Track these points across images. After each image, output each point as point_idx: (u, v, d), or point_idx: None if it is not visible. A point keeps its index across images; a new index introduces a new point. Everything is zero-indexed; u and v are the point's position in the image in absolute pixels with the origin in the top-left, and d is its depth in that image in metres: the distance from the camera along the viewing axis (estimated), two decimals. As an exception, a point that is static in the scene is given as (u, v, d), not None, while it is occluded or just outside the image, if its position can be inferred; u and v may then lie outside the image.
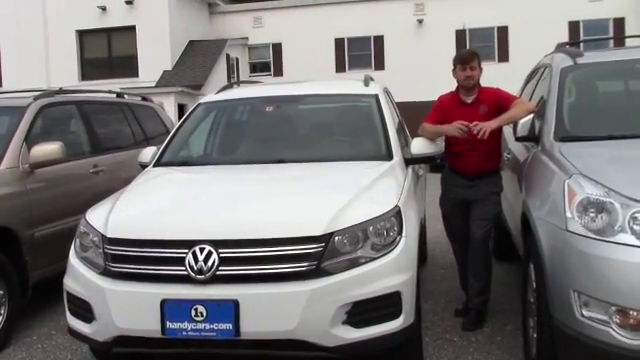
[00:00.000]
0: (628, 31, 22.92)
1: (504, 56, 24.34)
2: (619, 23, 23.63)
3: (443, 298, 5.09)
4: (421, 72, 22.74)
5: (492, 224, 4.54)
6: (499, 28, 24.70)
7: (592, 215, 2.88)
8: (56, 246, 4.66)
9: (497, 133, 4.31)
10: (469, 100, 4.36)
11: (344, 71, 25.50)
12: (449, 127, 4.21)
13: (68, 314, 3.46)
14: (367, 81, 4.95)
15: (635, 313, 2.67)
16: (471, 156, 4.34)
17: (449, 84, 4.55)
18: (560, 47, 4.96)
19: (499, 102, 4.27)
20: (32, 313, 4.98)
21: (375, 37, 25.62)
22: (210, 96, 5.16)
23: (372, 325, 3.07)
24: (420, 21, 25.14)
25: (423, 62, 23.48)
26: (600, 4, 23.57)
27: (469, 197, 4.43)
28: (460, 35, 24.72)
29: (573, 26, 23.95)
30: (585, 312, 2.80)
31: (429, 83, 22.90)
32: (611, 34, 23.28)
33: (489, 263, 4.54)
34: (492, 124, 4.08)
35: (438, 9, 24.79)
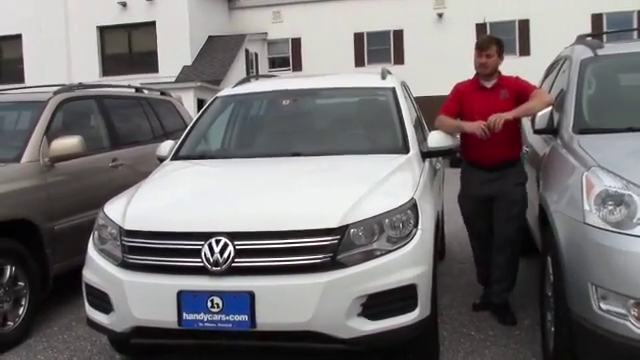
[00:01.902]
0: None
1: (525, 50, 24.10)
2: (643, 16, 23.27)
3: (461, 292, 5.07)
4: (441, 66, 22.54)
5: (523, 220, 4.37)
6: (520, 21, 24.46)
7: (610, 208, 2.84)
8: (76, 239, 4.69)
9: (515, 119, 4.17)
10: (489, 85, 4.28)
11: (363, 66, 25.39)
12: (471, 125, 4.11)
13: (87, 305, 3.51)
14: (384, 74, 4.93)
15: (653, 306, 2.64)
16: (490, 145, 4.12)
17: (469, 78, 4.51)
18: (580, 39, 4.89)
19: (519, 90, 4.20)
20: (53, 305, 5.05)
21: (395, 31, 25.50)
22: (227, 90, 5.18)
23: (388, 317, 3.07)
24: (440, 15, 24.97)
25: (443, 56, 23.28)
26: (624, -5, 23.21)
27: (493, 192, 4.25)
28: (480, 29, 24.44)
29: (596, 19, 23.62)
30: (603, 305, 2.77)
31: (449, 77, 22.62)
32: (635, 27, 22.92)
33: (517, 262, 4.43)
34: (508, 115, 4.00)
35: (458, 3, 24.58)
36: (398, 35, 25.51)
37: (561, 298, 3.09)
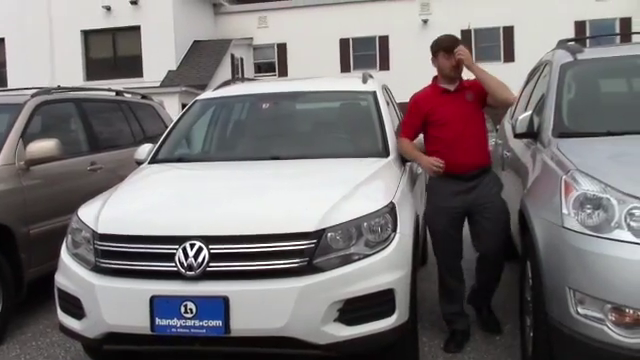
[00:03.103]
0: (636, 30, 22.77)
1: (510, 56, 24.27)
2: (626, 23, 23.54)
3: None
4: (426, 72, 22.03)
5: (507, 232, 4.05)
6: (505, 28, 24.64)
7: (589, 211, 2.82)
8: (52, 243, 4.59)
9: (482, 118, 4.00)
10: (453, 88, 3.98)
11: (349, 71, 25.47)
12: (425, 163, 3.91)
13: (59, 311, 3.44)
14: (365, 78, 4.90)
15: (631, 311, 2.61)
16: (463, 150, 3.84)
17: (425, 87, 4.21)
18: (561, 43, 4.89)
19: (483, 91, 3.92)
20: (27, 310, 4.95)
21: (380, 37, 25.61)
22: (207, 93, 5.14)
23: (365, 323, 3.02)
24: (425, 21, 25.11)
25: (428, 62, 22.82)
26: (606, 4, 23.47)
27: (469, 204, 3.89)
28: (465, 35, 24.51)
29: (579, 26, 23.85)
30: (580, 310, 2.74)
31: (434, 83, 22.85)
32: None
33: (500, 275, 4.16)
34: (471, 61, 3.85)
35: (443, 9, 24.72)
36: (384, 41, 25.60)
37: (539, 303, 3.06)
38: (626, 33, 20.71)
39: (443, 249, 4.03)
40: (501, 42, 24.75)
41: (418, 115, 4.01)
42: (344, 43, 25.96)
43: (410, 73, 23.51)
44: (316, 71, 22.67)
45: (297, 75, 24.04)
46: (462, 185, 3.89)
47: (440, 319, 4.47)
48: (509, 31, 24.60)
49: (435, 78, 4.07)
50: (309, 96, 4.87)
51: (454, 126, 3.87)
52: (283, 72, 26.19)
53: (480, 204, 3.90)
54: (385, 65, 25.17)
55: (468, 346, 4.02)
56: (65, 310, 3.38)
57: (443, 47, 3.92)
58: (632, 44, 4.86)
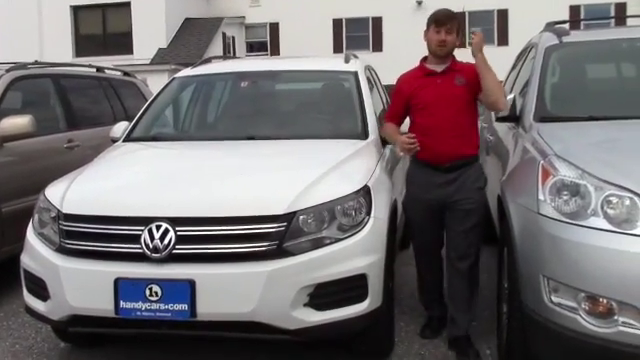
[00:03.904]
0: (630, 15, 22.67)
1: (504, 40, 24.10)
2: (621, 8, 23.40)
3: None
4: (420, 54, 21.81)
5: (482, 232, 3.65)
6: (499, 11, 24.47)
7: (565, 198, 2.75)
8: (25, 222, 4.51)
9: (473, 105, 3.60)
10: (439, 69, 3.58)
11: (342, 52, 25.14)
12: (398, 140, 3.55)
13: (25, 292, 3.37)
14: (348, 58, 4.79)
15: (604, 300, 2.55)
16: (445, 139, 3.48)
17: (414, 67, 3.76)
18: (549, 26, 4.80)
19: (476, 77, 3.50)
20: (0, 290, 4.86)
21: (374, 18, 25.39)
22: (186, 70, 5.02)
23: (336, 308, 2.96)
24: (419, 3, 24.86)
25: (422, 44, 22.90)
26: (602, -12, 23.33)
27: (447, 197, 3.53)
28: (459, 18, 24.35)
29: (574, 10, 23.71)
30: (554, 298, 2.68)
31: (427, 65, 22.79)
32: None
33: (478, 283, 3.73)
34: (479, 49, 3.43)
35: (438, -9, 24.48)
36: (377, 22, 25.39)
37: (514, 290, 3.00)
38: (620, 17, 20.60)
39: (420, 240, 3.81)
40: (495, 25, 24.58)
41: (400, 98, 3.70)
42: (337, 23, 25.74)
43: (404, 55, 23.29)
44: (308, 51, 22.50)
45: (289, 55, 23.85)
46: (441, 177, 3.53)
47: (419, 304, 4.41)
48: (503, 14, 24.43)
49: (424, 59, 3.71)
50: (289, 75, 4.77)
51: (435, 111, 3.51)
52: (275, 52, 25.95)
53: (456, 200, 3.53)
54: (378, 47, 24.99)
55: (444, 332, 3.96)
56: (31, 291, 3.31)
57: (434, 20, 3.56)
58: (621, 28, 4.76)
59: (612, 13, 23.45)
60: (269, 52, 26.17)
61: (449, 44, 3.55)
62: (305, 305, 2.90)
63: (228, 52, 24.78)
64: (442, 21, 3.55)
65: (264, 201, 2.96)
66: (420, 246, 3.84)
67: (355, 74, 4.51)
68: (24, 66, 5.50)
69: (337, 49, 25.36)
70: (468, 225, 3.54)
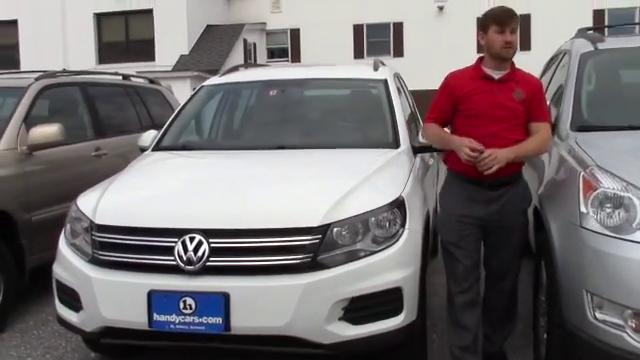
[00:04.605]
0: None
1: (526, 44, 23.85)
2: (646, 12, 23.09)
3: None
4: (441, 60, 22.31)
5: (523, 251, 3.41)
6: (522, 16, 24.17)
7: (608, 211, 2.67)
8: (55, 230, 4.51)
9: (524, 123, 3.18)
10: (497, 76, 3.17)
11: (362, 57, 25.16)
12: (458, 144, 3.10)
13: (57, 302, 3.36)
14: (376, 65, 4.74)
15: (652, 318, 2.47)
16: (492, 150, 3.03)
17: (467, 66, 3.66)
18: (581, 32, 4.71)
19: (536, 100, 3.19)
20: (29, 298, 4.88)
21: (395, 24, 25.29)
22: (214, 79, 5.00)
23: (371, 322, 2.91)
24: (441, 8, 24.76)
25: (443, 50, 23.12)
26: (627, -8, 23.05)
27: (489, 216, 3.18)
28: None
29: (598, 15, 23.44)
30: (598, 315, 2.60)
31: (448, 71, 22.78)
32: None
33: (515, 303, 3.49)
34: (508, 153, 3.02)
35: (460, -4, 24.39)
36: (398, 28, 25.29)
37: (554, 305, 2.93)
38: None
39: (453, 263, 3.33)
40: (518, 30, 24.33)
41: (449, 99, 3.26)
42: (358, 29, 25.68)
43: (424, 61, 23.43)
44: (329, 57, 22.55)
45: (310, 61, 23.84)
46: (482, 193, 3.17)
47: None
48: (526, 19, 24.15)
49: (480, 59, 3.28)
50: (318, 83, 4.72)
51: (485, 122, 3.12)
52: (296, 58, 25.96)
53: (498, 220, 3.19)
54: (399, 52, 24.89)
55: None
56: (63, 302, 3.30)
57: (496, 19, 3.14)
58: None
59: (637, 17, 23.13)
60: (290, 58, 26.19)
61: (515, 44, 3.16)
62: (340, 319, 2.85)
63: (249, 58, 24.84)
64: (505, 20, 3.13)
65: (298, 213, 2.92)
66: (454, 270, 3.35)
67: (385, 82, 4.46)
68: (53, 74, 5.53)
69: (358, 55, 25.33)
70: (510, 244, 3.27)
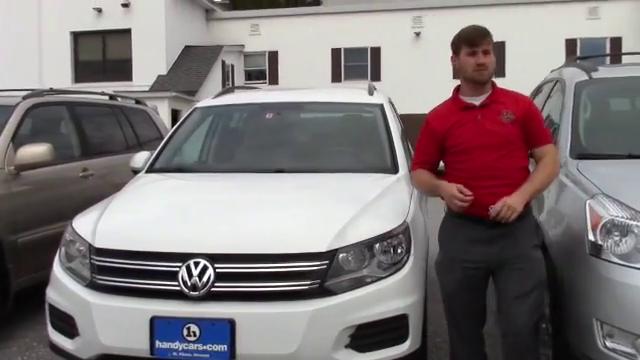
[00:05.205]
0: (625, 50, 22.93)
1: (500, 71, 24.22)
2: (616, 42, 23.69)
3: (444, 319, 4.85)
4: (418, 85, 22.66)
5: (542, 299, 2.88)
6: (496, 43, 24.60)
7: (616, 239, 2.69)
8: (42, 253, 4.42)
9: (524, 148, 2.89)
10: (478, 101, 2.89)
11: (340, 81, 25.39)
12: (448, 191, 2.79)
13: (50, 328, 3.24)
14: (371, 90, 4.75)
15: (664, 347, 2.48)
16: (488, 183, 2.77)
17: (446, 97, 3.07)
18: (571, 61, 4.79)
19: (530, 117, 2.87)
20: (14, 322, 4.73)
21: (372, 48, 25.53)
22: (207, 100, 4.95)
23: (377, 350, 2.86)
24: (418, 34, 25.09)
25: (420, 75, 23.45)
26: (598, 22, 23.64)
27: (494, 258, 2.81)
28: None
29: (570, 44, 23.96)
30: (609, 343, 2.61)
31: (426, 96, 23.04)
32: (607, 53, 23.32)
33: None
34: (520, 198, 2.71)
35: (436, 22, 24.71)
36: (375, 52, 25.54)
37: (559, 333, 2.92)
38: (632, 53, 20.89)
39: (454, 313, 3.02)
40: (493, 57, 24.77)
41: (432, 140, 2.98)
42: (336, 53, 25.87)
43: (402, 85, 23.61)
44: (307, 80, 22.64)
45: (288, 83, 23.93)
46: (484, 232, 2.80)
47: (445, 342, 4.31)
48: (501, 46, 24.53)
49: (457, 89, 3.02)
50: (314, 107, 4.70)
51: (476, 154, 2.82)
52: (274, 80, 26.02)
53: (506, 259, 2.80)
54: (376, 76, 25.06)
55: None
56: (56, 327, 3.18)
57: (466, 40, 2.89)
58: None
59: (607, 47, 23.72)
60: (267, 81, 26.23)
61: (489, 66, 2.86)
62: (346, 346, 2.80)
63: (227, 80, 24.80)
64: (475, 41, 2.87)
65: (306, 238, 2.88)
66: (455, 320, 3.03)
67: (381, 107, 4.47)
68: (40, 93, 5.44)
69: (335, 78, 25.49)
70: (525, 289, 2.76)
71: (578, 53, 23.35)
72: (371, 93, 4.71)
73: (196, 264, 2.79)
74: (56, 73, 22.19)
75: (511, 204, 2.66)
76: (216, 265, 2.78)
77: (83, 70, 23.30)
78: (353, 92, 5.04)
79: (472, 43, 2.87)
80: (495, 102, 2.88)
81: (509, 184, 2.76)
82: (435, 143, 2.96)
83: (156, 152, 4.37)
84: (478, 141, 2.83)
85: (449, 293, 3.00)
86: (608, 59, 20.17)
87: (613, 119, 4.11)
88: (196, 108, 4.82)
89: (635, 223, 2.67)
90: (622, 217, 2.71)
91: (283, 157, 4.19)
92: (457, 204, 2.74)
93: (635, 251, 2.62)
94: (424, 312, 3.22)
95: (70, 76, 23.03)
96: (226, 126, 4.86)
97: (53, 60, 22.88)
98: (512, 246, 2.79)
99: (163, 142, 4.50)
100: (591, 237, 2.75)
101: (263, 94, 5.66)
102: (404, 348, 2.91)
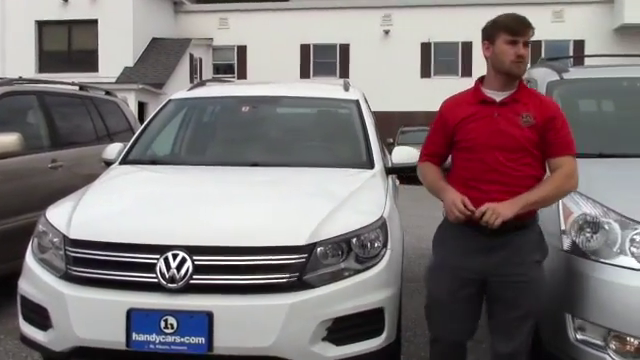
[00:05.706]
0: (588, 53, 23.48)
1: (467, 71, 24.55)
2: (579, 45, 24.24)
3: (415, 314, 4.92)
4: (386, 82, 22.81)
5: (535, 320, 2.66)
6: (463, 43, 24.96)
7: (588, 235, 2.77)
8: (9, 244, 4.36)
9: (540, 157, 2.62)
10: (499, 98, 2.62)
11: (309, 77, 25.44)
12: (450, 199, 2.57)
13: (21, 320, 3.17)
14: (347, 86, 4.78)
15: (633, 339, 2.56)
16: (493, 188, 2.55)
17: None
18: (542, 61, 4.88)
19: (550, 125, 2.59)
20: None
21: (341, 45, 25.63)
22: (182, 93, 4.90)
23: (353, 342, 2.88)
24: (387, 32, 25.26)
25: (388, 72, 23.62)
26: (562, 25, 24.13)
27: (490, 270, 2.57)
28: (425, 48, 24.95)
29: (535, 45, 24.34)
30: (580, 336, 2.68)
31: (393, 94, 23.42)
32: (571, 55, 23.81)
33: None
34: (511, 207, 2.47)
35: (405, 21, 24.96)
36: (344, 49, 25.64)
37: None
38: (602, 55, 21.33)
39: (440, 326, 2.75)
40: (459, 57, 25.07)
41: (442, 130, 2.75)
42: (305, 49, 25.89)
43: (370, 82, 23.62)
44: (276, 75, 22.60)
45: (256, 78, 23.86)
46: (482, 241, 2.57)
47: (417, 337, 4.37)
48: (468, 46, 24.89)
49: (480, 80, 2.75)
50: (291, 101, 4.71)
51: (484, 154, 2.58)
52: (242, 75, 25.92)
53: (503, 275, 2.56)
54: (345, 73, 25.13)
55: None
56: (28, 319, 3.12)
57: (508, 27, 2.59)
58: (618, 66, 4.86)
59: (571, 49, 24.23)
60: (236, 75, 26.11)
61: (526, 61, 2.61)
62: (323, 339, 2.82)
63: (195, 73, 24.60)
64: (518, 29, 2.57)
65: (285, 231, 2.89)
66: (439, 331, 2.77)
67: (357, 102, 4.50)
68: (10, 82, 5.33)
69: (304, 74, 25.51)
70: (521, 311, 2.57)
71: (542, 55, 23.82)
72: (347, 89, 4.73)
73: (174, 256, 2.77)
74: (19, 62, 21.69)
75: (496, 208, 2.45)
76: (195, 257, 2.77)
77: (47, 60, 22.85)
78: (329, 87, 5.05)
79: (514, 32, 2.57)
80: (517, 101, 2.61)
81: (512, 192, 2.52)
82: (445, 134, 2.74)
83: (130, 144, 4.32)
84: (489, 140, 2.58)
85: (434, 301, 2.76)
86: (571, 61, 20.64)
87: (583, 119, 4.19)
88: (170, 100, 4.77)
89: (606, 220, 2.74)
90: (594, 214, 2.79)
91: (259, 151, 4.19)
92: (455, 214, 2.53)
93: (606, 247, 2.70)
94: (399, 306, 3.26)
95: (34, 66, 22.57)
96: (201, 119, 4.83)
97: (16, 49, 22.38)
98: (512, 259, 2.56)
99: (137, 134, 4.46)
100: (564, 233, 2.82)
101: (239, 87, 5.64)
102: (380, 341, 2.95)
